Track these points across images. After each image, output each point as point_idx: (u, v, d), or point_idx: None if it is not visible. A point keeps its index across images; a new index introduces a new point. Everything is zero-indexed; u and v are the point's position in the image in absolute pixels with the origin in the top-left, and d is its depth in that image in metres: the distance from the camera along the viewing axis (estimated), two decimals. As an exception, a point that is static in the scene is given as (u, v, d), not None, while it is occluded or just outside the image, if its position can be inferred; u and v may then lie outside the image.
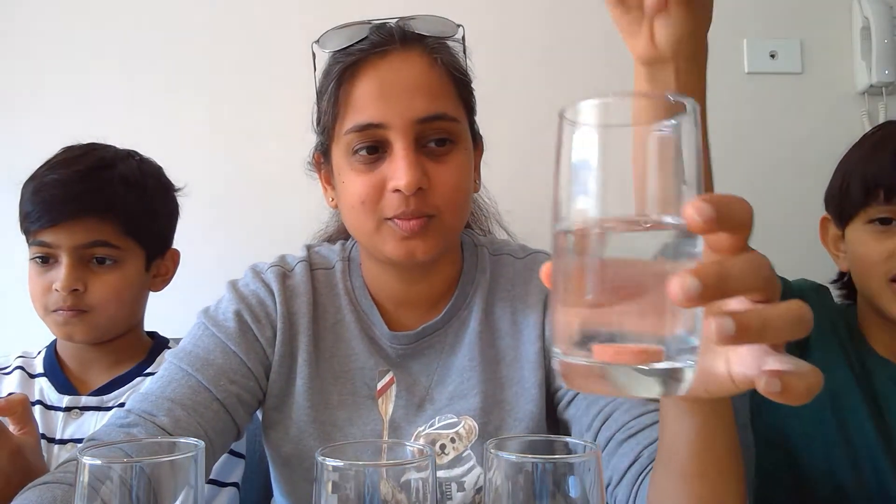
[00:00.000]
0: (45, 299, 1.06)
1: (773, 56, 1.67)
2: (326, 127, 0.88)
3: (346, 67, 0.85)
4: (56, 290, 1.04)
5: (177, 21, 1.64)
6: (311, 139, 0.96)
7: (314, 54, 0.89)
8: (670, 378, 0.38)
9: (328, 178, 0.93)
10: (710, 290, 0.36)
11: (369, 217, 0.84)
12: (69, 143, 1.12)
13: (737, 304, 0.42)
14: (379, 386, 0.92)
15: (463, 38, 0.91)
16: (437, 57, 0.86)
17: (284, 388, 0.92)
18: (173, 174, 1.18)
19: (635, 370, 0.37)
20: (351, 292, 0.95)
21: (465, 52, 0.92)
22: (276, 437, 0.92)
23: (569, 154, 0.39)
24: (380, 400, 0.91)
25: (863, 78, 1.65)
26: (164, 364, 0.88)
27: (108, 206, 1.05)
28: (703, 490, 0.61)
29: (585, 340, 0.38)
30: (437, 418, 0.90)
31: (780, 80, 1.67)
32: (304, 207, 1.04)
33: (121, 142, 1.15)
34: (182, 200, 1.19)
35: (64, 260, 1.04)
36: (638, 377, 0.37)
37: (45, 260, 1.06)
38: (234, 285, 0.95)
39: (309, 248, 1.00)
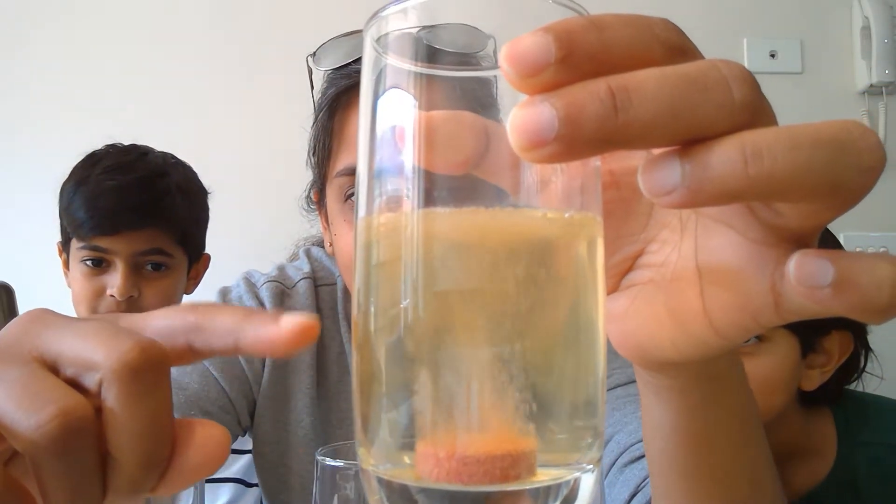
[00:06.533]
0: (94, 303, 1.05)
1: (773, 56, 1.67)
2: (320, 162, 0.75)
3: (340, 92, 0.70)
4: (111, 295, 1.03)
5: (181, 18, 1.64)
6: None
7: (310, 69, 0.73)
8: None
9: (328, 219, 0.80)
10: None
11: None
12: (88, 145, 1.10)
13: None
14: None
15: (494, 52, 0.70)
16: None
17: (279, 434, 0.81)
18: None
19: (479, 493, 0.20)
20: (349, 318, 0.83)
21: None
22: (274, 484, 0.83)
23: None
24: None
25: (863, 78, 1.65)
26: None
27: (167, 216, 1.05)
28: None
29: (396, 437, 0.22)
30: None
31: (780, 80, 1.67)
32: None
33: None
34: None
35: (120, 267, 1.03)
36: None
37: (97, 263, 1.04)
38: (224, 297, 0.84)
39: (309, 253, 0.89)
